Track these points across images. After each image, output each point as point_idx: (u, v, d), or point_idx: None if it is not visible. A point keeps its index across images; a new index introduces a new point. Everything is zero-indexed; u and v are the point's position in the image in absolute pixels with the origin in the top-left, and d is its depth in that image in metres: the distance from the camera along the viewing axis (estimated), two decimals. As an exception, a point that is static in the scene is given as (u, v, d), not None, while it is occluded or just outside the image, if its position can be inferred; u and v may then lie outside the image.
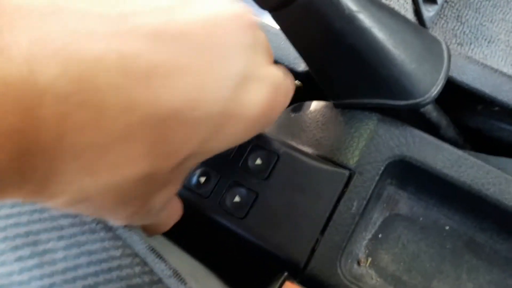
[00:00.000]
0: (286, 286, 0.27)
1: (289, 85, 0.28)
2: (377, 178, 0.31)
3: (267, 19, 0.49)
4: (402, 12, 0.59)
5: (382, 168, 0.31)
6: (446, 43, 0.32)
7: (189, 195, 0.32)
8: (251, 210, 0.31)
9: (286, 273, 0.28)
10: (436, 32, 0.63)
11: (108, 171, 0.17)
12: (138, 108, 0.17)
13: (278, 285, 0.27)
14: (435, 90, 0.31)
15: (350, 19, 0.29)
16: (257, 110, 0.23)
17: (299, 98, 0.47)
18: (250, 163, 0.32)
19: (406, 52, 0.31)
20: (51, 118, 0.15)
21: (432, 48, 0.31)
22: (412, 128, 0.32)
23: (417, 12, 0.61)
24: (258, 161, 0.32)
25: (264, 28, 0.45)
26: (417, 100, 0.31)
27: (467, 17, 0.63)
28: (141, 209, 0.21)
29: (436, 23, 0.63)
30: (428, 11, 0.62)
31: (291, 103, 0.43)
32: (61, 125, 0.15)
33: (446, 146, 0.32)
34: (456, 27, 0.63)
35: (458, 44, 0.62)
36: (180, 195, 0.32)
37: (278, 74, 0.26)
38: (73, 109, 0.15)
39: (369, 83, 0.32)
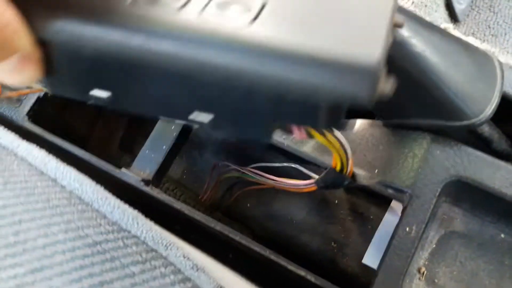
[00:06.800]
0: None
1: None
2: (434, 200, 0.31)
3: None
4: (434, 7, 0.58)
5: (439, 189, 0.31)
6: (498, 59, 0.32)
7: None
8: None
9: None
10: (469, 24, 0.62)
11: None
12: None
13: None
14: (490, 109, 0.30)
15: (401, 45, 0.29)
16: None
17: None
18: None
19: (459, 74, 0.30)
20: None
21: (484, 66, 0.31)
22: (466, 147, 0.32)
23: (449, 6, 0.60)
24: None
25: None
26: (472, 121, 0.30)
27: (500, 6, 0.62)
28: None
29: (468, 15, 0.62)
30: (460, 4, 0.61)
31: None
32: None
33: (503, 164, 0.31)
34: (489, 18, 0.62)
35: (493, 35, 0.61)
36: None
37: None
38: None
39: (422, 105, 0.31)
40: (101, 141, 0.48)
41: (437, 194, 0.31)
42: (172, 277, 0.27)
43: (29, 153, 0.31)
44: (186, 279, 0.27)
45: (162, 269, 0.27)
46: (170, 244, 0.28)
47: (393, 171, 0.32)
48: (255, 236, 0.41)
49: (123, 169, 0.37)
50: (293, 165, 0.35)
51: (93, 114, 0.49)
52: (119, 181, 0.37)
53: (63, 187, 0.30)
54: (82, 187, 0.29)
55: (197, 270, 0.28)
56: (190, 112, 0.18)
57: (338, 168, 0.31)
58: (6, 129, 0.33)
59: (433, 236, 0.34)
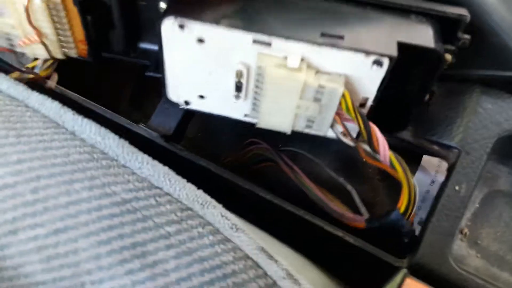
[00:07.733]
0: (407, 283, 0.25)
1: None
2: (485, 157, 0.29)
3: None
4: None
5: (491, 145, 0.29)
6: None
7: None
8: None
9: (406, 270, 0.26)
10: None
11: None
12: None
13: (399, 281, 0.25)
14: (551, 59, 0.28)
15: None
16: None
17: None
18: None
19: (520, 17, 0.28)
20: None
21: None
22: (520, 100, 0.30)
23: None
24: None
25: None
26: (532, 71, 0.28)
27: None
28: None
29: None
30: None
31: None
32: None
33: (560, 118, 0.29)
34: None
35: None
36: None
37: None
38: None
39: (475, 52, 0.29)
40: (110, 97, 0.45)
41: (489, 150, 0.29)
42: (211, 237, 0.24)
43: (41, 104, 0.28)
44: (226, 240, 0.25)
45: (200, 229, 0.25)
46: (206, 202, 0.25)
47: (440, 126, 0.30)
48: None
49: (141, 124, 0.34)
50: (348, 188, 0.34)
51: (100, 71, 0.45)
52: (137, 137, 0.34)
53: (83, 140, 0.27)
54: (104, 140, 0.27)
55: (237, 230, 0.25)
56: None
57: (402, 210, 0.28)
58: (14, 79, 0.30)
59: (476, 196, 0.32)
